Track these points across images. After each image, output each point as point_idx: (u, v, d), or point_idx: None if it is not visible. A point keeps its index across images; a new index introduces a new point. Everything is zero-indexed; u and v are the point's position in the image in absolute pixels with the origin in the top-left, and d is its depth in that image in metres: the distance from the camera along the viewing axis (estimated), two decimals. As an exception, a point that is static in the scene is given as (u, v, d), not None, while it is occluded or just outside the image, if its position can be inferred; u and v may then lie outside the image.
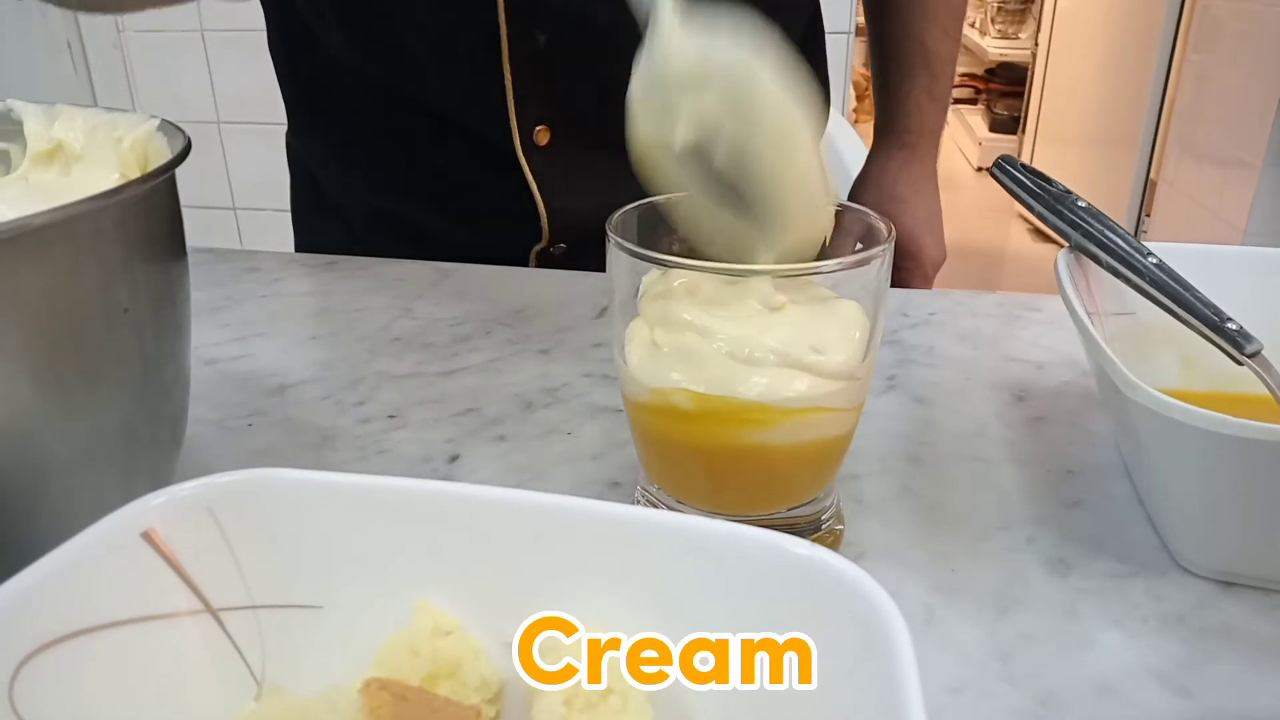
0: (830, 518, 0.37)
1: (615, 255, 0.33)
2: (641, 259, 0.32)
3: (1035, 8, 3.83)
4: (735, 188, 0.32)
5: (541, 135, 0.65)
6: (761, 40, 0.31)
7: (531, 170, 0.65)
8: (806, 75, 0.32)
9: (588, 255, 0.31)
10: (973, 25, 4.64)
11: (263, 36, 0.73)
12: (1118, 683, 0.31)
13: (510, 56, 0.61)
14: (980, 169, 3.84)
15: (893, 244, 0.33)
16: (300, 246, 0.81)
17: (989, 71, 4.18)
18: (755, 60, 0.31)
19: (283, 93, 0.75)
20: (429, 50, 0.63)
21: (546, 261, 0.69)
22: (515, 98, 0.63)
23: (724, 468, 0.35)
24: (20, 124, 0.38)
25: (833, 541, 0.37)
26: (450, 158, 0.68)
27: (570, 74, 0.63)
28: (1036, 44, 3.55)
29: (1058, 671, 0.31)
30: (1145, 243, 0.42)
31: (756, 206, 0.33)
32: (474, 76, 0.63)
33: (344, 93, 0.69)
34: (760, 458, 0.34)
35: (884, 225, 0.33)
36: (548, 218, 0.67)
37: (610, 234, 0.33)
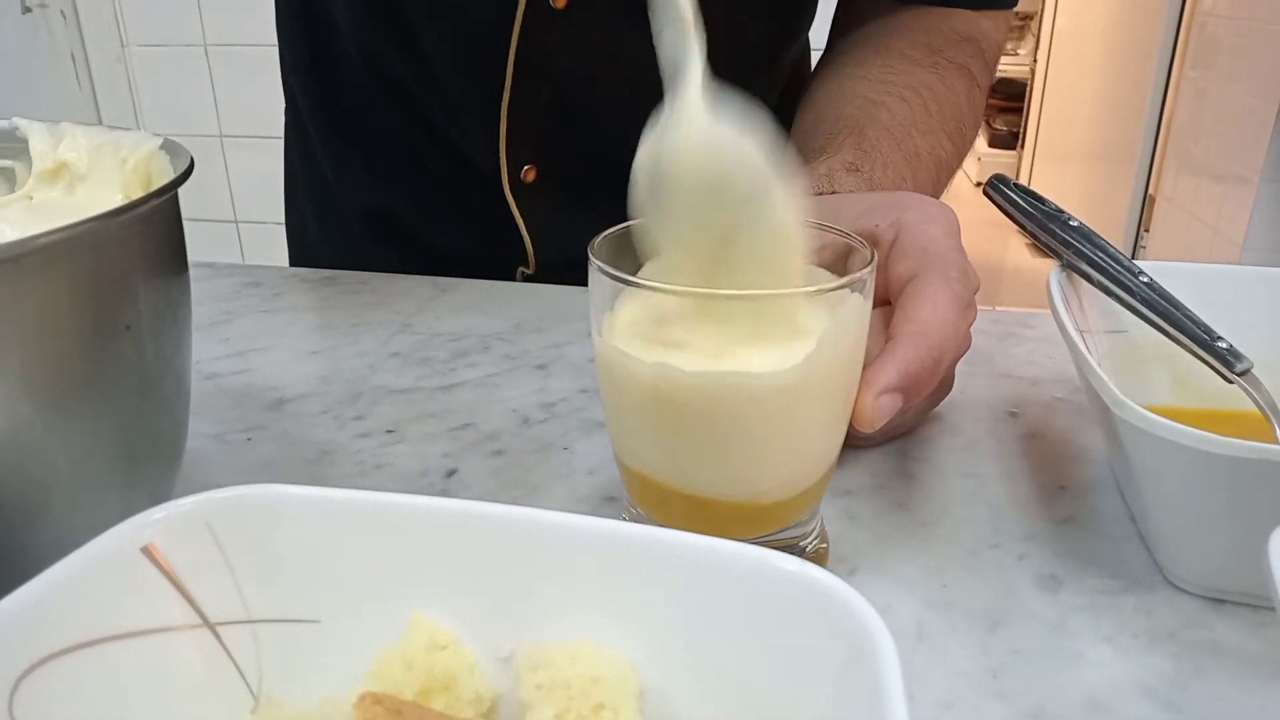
0: (815, 537, 0.37)
1: (596, 279, 0.33)
2: (623, 283, 0.32)
3: (1034, 24, 3.85)
4: (721, 266, 0.32)
5: (529, 174, 0.66)
6: (772, 142, 0.31)
7: (517, 205, 0.67)
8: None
9: (578, 278, 0.31)
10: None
11: (265, 52, 0.73)
12: (1108, 698, 0.31)
13: (510, 105, 0.63)
14: (979, 184, 3.86)
15: (875, 269, 0.33)
16: (293, 247, 0.81)
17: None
18: (769, 171, 0.31)
19: (283, 69, 0.74)
20: (438, 70, 0.64)
21: (532, 279, 0.70)
22: (508, 139, 0.64)
23: (704, 501, 0.35)
24: (25, 141, 0.39)
25: (817, 560, 0.37)
26: (445, 171, 0.69)
27: (563, 125, 0.64)
28: (1035, 60, 3.57)
29: (1048, 687, 0.32)
30: (1137, 261, 0.42)
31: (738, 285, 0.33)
32: (472, 113, 0.65)
33: (352, 78, 0.69)
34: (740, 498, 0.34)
35: (867, 250, 0.34)
36: (533, 249, 0.68)
37: (592, 257, 0.33)
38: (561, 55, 0.61)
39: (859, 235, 0.35)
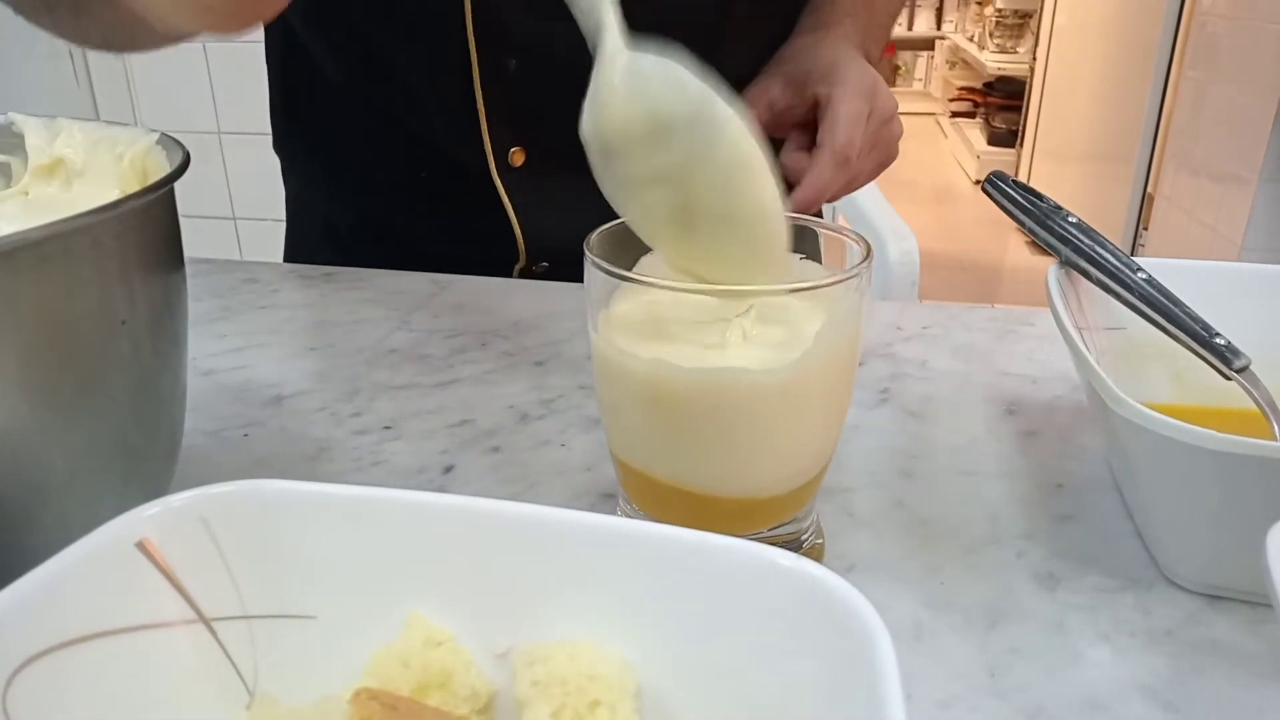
0: (811, 533, 0.37)
1: (592, 275, 0.33)
2: (618, 279, 0.32)
3: (1034, 22, 3.85)
4: (694, 217, 0.32)
5: (516, 157, 0.65)
6: (703, 76, 0.31)
7: (507, 192, 0.66)
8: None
9: (572, 273, 0.31)
10: (971, 40, 4.66)
11: (263, 48, 0.74)
12: (1106, 698, 0.31)
13: (481, 81, 0.62)
14: (978, 182, 3.86)
15: (870, 265, 0.33)
16: (288, 249, 0.81)
17: (987, 85, 4.20)
18: (704, 101, 0.31)
19: (270, 89, 0.75)
20: (407, 70, 0.64)
21: (530, 277, 0.70)
22: (488, 121, 0.64)
23: (700, 497, 0.35)
24: (21, 136, 0.39)
25: (813, 556, 0.37)
26: (431, 174, 0.69)
27: (541, 97, 0.64)
28: (1035, 58, 3.57)
29: (1046, 686, 0.32)
30: (1135, 258, 0.42)
31: (716, 233, 0.33)
32: (448, 100, 0.64)
33: (329, 96, 0.70)
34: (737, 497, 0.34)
35: (862, 245, 0.34)
36: (524, 240, 0.68)
37: (588, 253, 0.33)
38: (517, 18, 0.61)
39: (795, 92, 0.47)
